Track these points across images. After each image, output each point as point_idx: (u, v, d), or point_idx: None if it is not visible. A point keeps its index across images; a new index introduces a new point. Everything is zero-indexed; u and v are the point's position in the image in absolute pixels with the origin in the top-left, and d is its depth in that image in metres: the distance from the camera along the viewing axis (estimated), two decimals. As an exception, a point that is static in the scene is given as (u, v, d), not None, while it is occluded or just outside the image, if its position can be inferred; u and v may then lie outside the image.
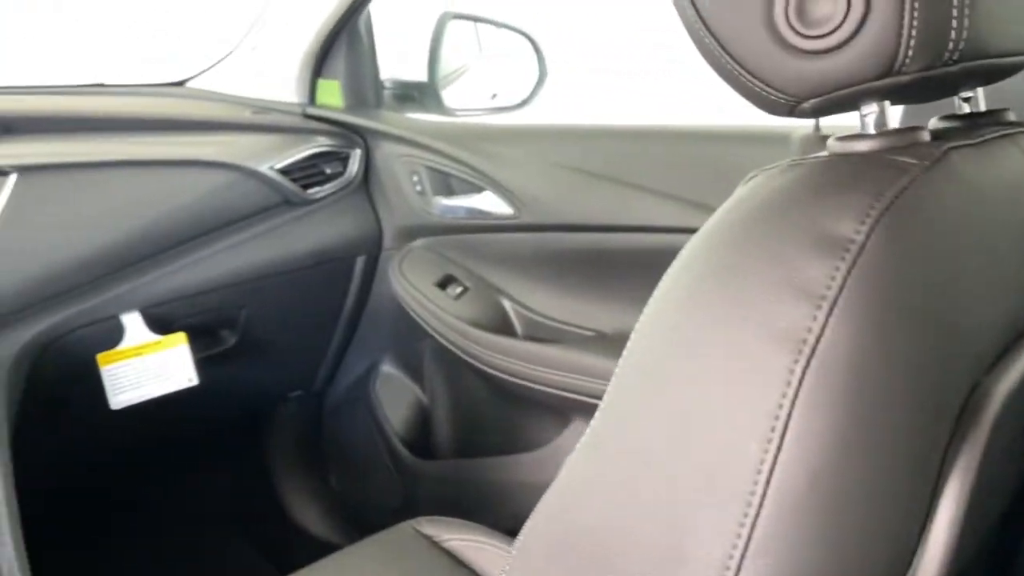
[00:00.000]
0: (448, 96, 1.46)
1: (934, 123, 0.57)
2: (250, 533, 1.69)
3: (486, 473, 1.34)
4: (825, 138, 1.03)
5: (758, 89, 0.47)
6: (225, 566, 1.63)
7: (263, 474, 1.64)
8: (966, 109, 0.58)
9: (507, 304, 1.27)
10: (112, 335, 1.12)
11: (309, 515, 1.63)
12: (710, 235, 0.47)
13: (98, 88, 1.46)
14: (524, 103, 1.54)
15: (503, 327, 1.26)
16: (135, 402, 1.15)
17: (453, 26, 1.48)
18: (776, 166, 0.48)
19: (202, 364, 1.21)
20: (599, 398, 1.11)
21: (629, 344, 0.49)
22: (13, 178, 0.97)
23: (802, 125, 0.98)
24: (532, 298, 1.25)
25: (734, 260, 0.44)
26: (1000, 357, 0.49)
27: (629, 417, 0.48)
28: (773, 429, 0.40)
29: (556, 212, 1.21)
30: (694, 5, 0.47)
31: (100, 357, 1.10)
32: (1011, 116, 0.59)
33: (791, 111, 0.48)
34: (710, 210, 1.07)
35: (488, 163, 1.26)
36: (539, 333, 1.24)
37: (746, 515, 0.40)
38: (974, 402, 0.46)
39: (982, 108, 0.58)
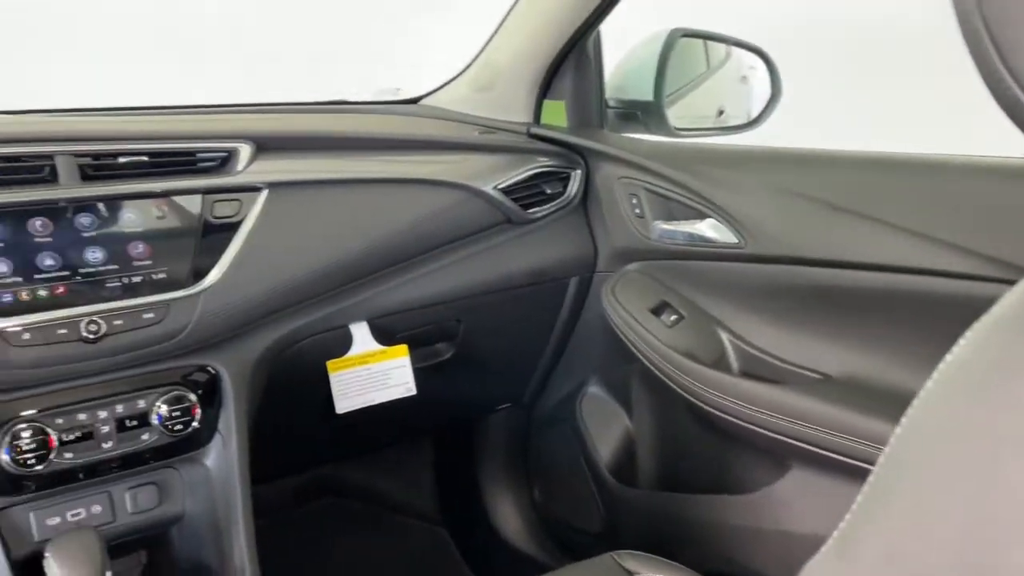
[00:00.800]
0: (673, 116, 1.43)
1: None
2: (455, 533, 1.75)
3: (691, 510, 1.29)
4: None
5: None
6: (429, 563, 1.70)
7: (470, 480, 1.68)
8: None
9: (725, 337, 1.21)
10: (341, 343, 1.18)
11: (510, 525, 1.66)
12: None
13: (340, 106, 1.56)
14: (755, 123, 1.47)
15: (719, 361, 1.20)
16: (358, 407, 1.21)
17: (682, 43, 1.44)
18: None
19: (420, 374, 1.26)
20: (823, 447, 1.04)
21: (906, 420, 0.43)
22: (265, 194, 1.05)
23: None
24: (753, 333, 1.19)
25: None
26: None
27: (907, 517, 0.42)
28: None
29: (786, 244, 1.14)
30: (981, 13, 0.40)
31: (330, 364, 1.18)
32: None
33: None
34: (972, 254, 0.96)
35: (713, 188, 1.20)
36: (758, 370, 1.17)
37: None
38: None
39: None
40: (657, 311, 1.27)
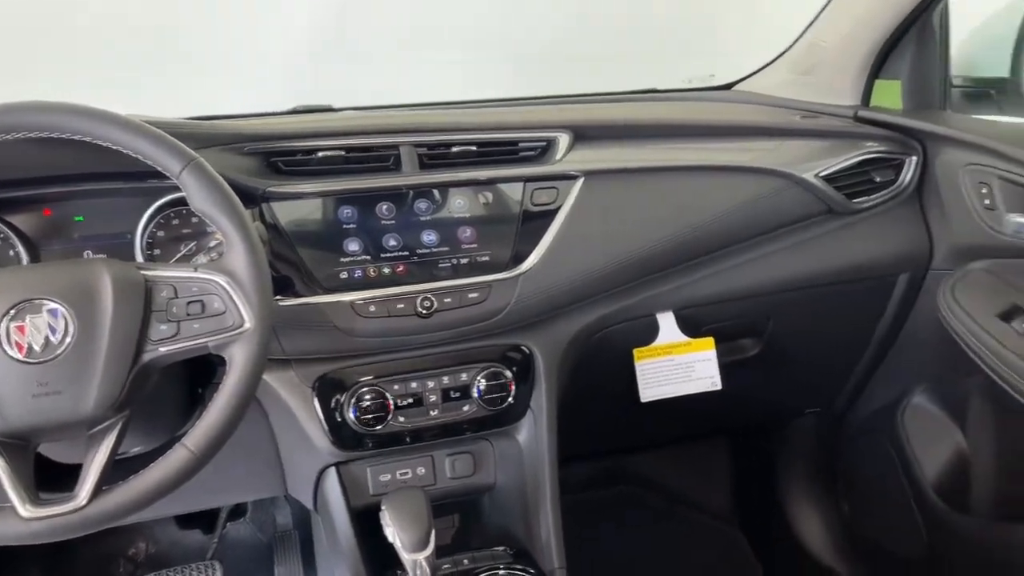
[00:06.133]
0: (1035, 94, 1.24)
1: None
2: (752, 537, 1.68)
3: (1041, 547, 1.12)
4: None
5: None
6: (725, 565, 1.65)
7: (772, 485, 1.60)
8: None
9: None
10: (648, 332, 1.18)
11: (815, 537, 1.56)
12: None
13: (651, 94, 1.55)
14: None
15: None
16: (661, 397, 1.20)
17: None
18: None
19: (725, 369, 1.21)
20: None
21: None
22: (580, 182, 1.07)
23: None
24: None
25: None
26: None
27: None
28: None
29: None
30: None
31: (636, 352, 1.17)
32: None
33: None
34: None
35: None
36: None
37: None
38: None
39: None
40: (1008, 316, 1.11)
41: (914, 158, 1.23)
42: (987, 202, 1.15)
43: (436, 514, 0.96)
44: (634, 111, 1.36)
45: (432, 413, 1.02)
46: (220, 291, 0.79)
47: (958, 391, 1.28)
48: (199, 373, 1.00)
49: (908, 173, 1.23)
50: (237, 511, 1.57)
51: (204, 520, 1.55)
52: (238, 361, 0.78)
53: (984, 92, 1.28)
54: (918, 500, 1.34)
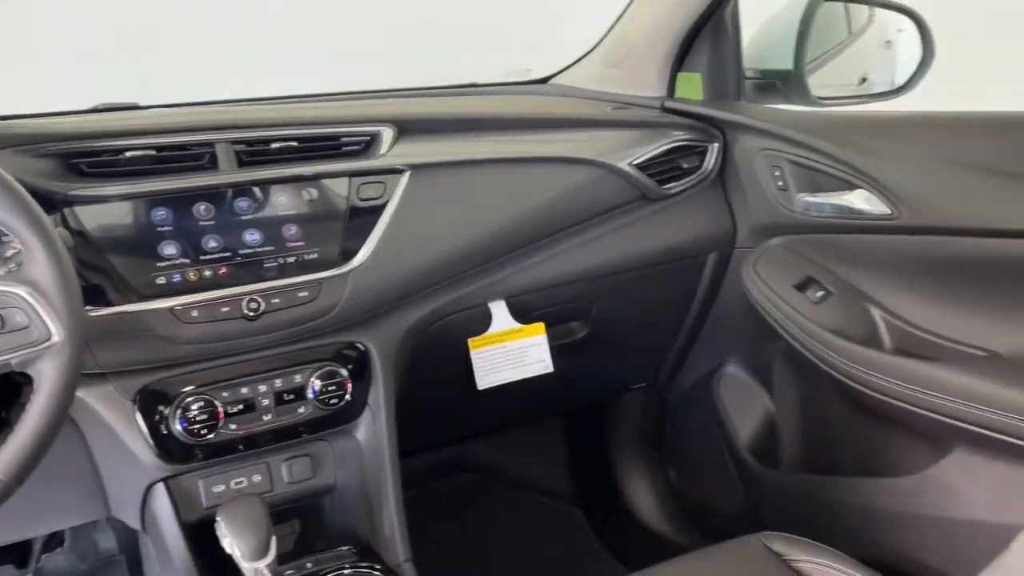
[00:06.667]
0: (815, 84, 1.37)
1: None
2: (589, 513, 1.75)
3: (841, 493, 1.24)
4: None
5: None
6: (565, 542, 1.71)
7: (605, 460, 1.68)
8: None
9: (876, 313, 1.16)
10: (481, 321, 1.20)
11: (647, 505, 1.65)
12: None
13: (472, 89, 1.57)
14: (904, 89, 1.39)
15: (870, 338, 1.15)
16: (497, 383, 1.22)
17: (823, 9, 1.37)
18: None
19: (556, 352, 1.26)
20: (989, 428, 0.97)
21: None
22: (407, 176, 1.07)
23: None
24: (907, 308, 1.13)
25: None
26: None
27: None
28: None
29: (943, 213, 1.07)
30: None
31: (471, 341, 1.20)
32: None
33: None
34: None
35: (862, 157, 1.15)
36: (913, 348, 1.11)
37: None
38: None
39: None
40: (802, 287, 1.22)
41: (716, 145, 1.32)
42: (780, 183, 1.26)
43: (276, 520, 0.94)
44: (456, 105, 1.38)
45: (265, 418, 0.99)
46: (22, 303, 0.73)
47: (764, 359, 1.40)
48: (2, 394, 0.92)
49: (711, 159, 1.32)
50: (53, 540, 1.46)
51: (15, 554, 1.42)
52: (47, 377, 0.73)
53: (772, 83, 1.39)
54: (735, 460, 1.45)
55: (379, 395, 1.06)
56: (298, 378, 1.01)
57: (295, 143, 1.02)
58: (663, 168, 1.28)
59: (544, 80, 1.61)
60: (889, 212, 1.12)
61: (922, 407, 1.03)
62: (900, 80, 1.41)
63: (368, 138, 1.07)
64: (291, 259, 0.98)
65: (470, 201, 1.13)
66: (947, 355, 1.07)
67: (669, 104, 1.37)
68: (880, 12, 1.48)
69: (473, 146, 1.17)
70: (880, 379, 1.08)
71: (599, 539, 1.70)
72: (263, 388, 0.99)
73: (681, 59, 1.37)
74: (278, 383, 1.00)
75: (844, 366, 1.12)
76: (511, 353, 1.22)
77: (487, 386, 1.21)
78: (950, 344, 1.08)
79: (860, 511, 1.20)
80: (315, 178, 1.01)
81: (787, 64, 1.36)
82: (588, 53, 1.53)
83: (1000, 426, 0.94)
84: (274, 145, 1.01)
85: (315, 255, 1.00)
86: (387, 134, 1.08)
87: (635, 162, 1.25)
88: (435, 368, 1.21)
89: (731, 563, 0.97)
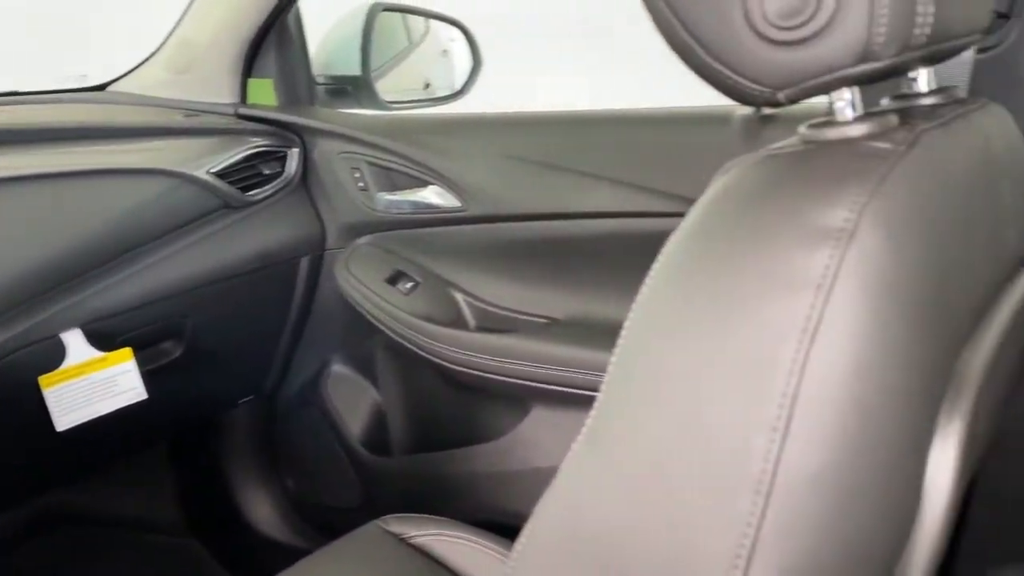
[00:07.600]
0: (384, 89, 1.45)
1: (888, 103, 0.59)
2: (207, 542, 1.66)
3: (446, 466, 1.34)
4: (765, 118, 1.05)
5: (732, 81, 0.47)
6: (184, 577, 1.60)
7: (218, 481, 1.61)
8: (916, 88, 0.59)
9: (459, 297, 1.27)
10: (53, 356, 1.07)
11: (267, 520, 1.61)
12: (697, 228, 0.47)
13: (12, 97, 1.39)
14: (460, 93, 1.54)
15: (456, 320, 1.26)
16: (82, 421, 1.11)
17: (383, 18, 1.46)
18: (753, 156, 0.48)
19: (149, 377, 1.18)
20: (556, 384, 1.13)
21: (621, 341, 0.48)
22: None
23: (742, 107, 1.00)
24: (483, 289, 1.25)
25: (726, 252, 0.44)
26: (975, 329, 0.51)
27: (629, 415, 0.47)
28: (778, 419, 0.40)
29: (503, 202, 1.21)
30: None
31: (42, 379, 1.06)
32: (960, 93, 0.60)
33: (766, 101, 0.47)
34: (657, 194, 1.09)
35: (431, 156, 1.25)
36: (492, 324, 1.24)
37: (754, 509, 0.40)
38: (958, 376, 0.47)
39: (926, 87, 0.59)
40: (393, 280, 1.29)
41: (295, 150, 1.34)
42: (361, 184, 1.32)
43: None
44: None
45: None
46: None
47: (367, 352, 1.45)
48: None
49: (292, 164, 1.33)
50: None
51: None
52: None
53: (343, 88, 1.44)
54: (349, 456, 1.48)
55: None
56: None
57: None
58: (244, 175, 1.26)
59: (102, 87, 1.48)
60: (459, 205, 1.24)
61: (504, 375, 1.16)
62: (458, 85, 1.56)
63: None
64: None
65: (25, 223, 1.01)
66: (519, 326, 1.22)
67: (243, 110, 1.35)
68: (435, 23, 1.61)
69: (23, 160, 1.04)
70: (468, 355, 1.18)
71: (221, 565, 1.62)
72: None
73: (250, 65, 1.35)
74: None
75: (436, 348, 1.21)
76: (95, 385, 1.11)
77: (69, 426, 1.09)
78: (520, 316, 1.22)
79: (464, 478, 1.31)
80: None
81: (355, 70, 1.42)
82: (149, 58, 1.44)
83: (561, 380, 1.09)
84: None
85: None
86: None
87: (213, 170, 1.21)
88: (4, 414, 1.06)
89: (351, 555, 1.00)
